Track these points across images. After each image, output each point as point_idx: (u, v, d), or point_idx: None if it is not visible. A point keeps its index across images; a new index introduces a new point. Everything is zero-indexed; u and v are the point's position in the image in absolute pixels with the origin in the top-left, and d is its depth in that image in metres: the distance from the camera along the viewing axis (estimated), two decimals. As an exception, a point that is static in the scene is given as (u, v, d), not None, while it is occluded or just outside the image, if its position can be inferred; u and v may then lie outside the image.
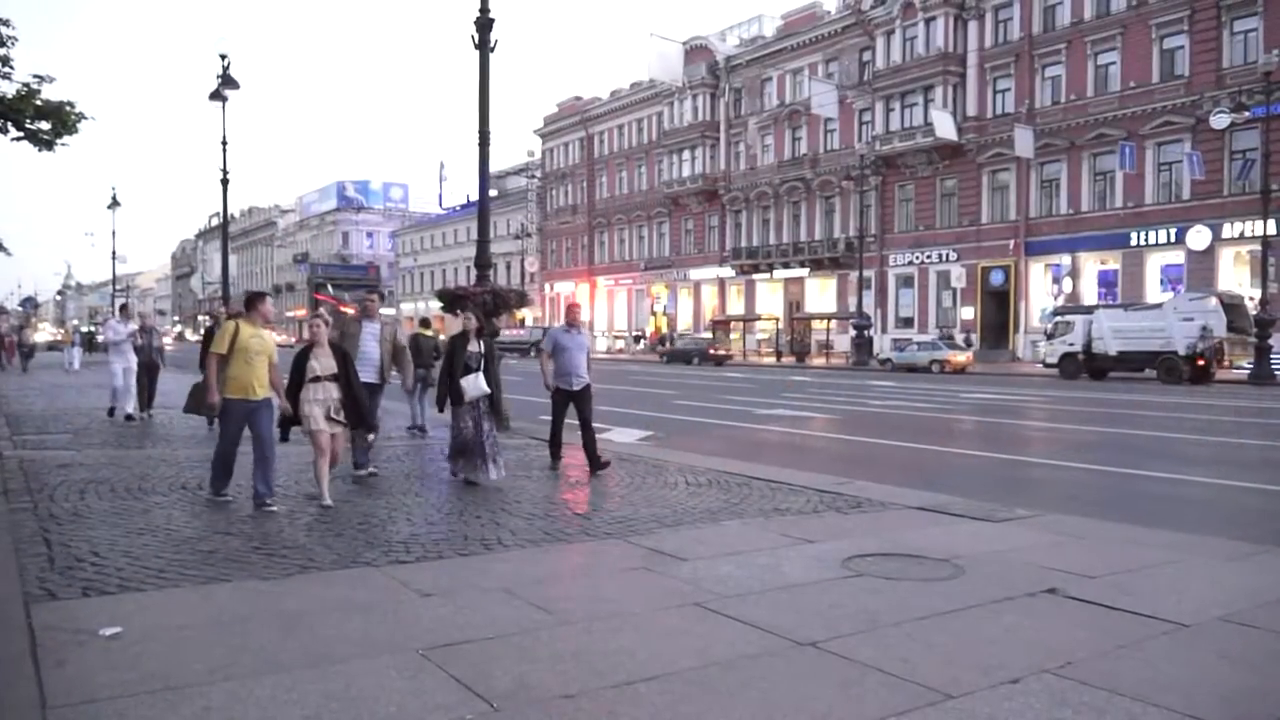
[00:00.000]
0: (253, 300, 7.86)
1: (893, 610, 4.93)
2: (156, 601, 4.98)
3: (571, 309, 10.51)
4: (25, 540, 6.26)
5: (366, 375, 9.14)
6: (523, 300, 15.67)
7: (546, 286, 72.46)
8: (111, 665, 4.00)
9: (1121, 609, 4.97)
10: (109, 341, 15.54)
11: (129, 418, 14.43)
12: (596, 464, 9.60)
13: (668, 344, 52.56)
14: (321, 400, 7.81)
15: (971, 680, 3.94)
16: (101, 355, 40.38)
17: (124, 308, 16.37)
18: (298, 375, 7.81)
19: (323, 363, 7.87)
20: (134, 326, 15.20)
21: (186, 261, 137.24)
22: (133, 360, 14.77)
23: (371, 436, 9.38)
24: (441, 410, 9.41)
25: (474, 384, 8.90)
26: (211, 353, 7.59)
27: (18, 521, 6.83)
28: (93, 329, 50.46)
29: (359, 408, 8.10)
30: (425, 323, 15.42)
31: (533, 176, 75.83)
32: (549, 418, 15.18)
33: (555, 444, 10.24)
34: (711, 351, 46.03)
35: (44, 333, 72.02)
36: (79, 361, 34.08)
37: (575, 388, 9.91)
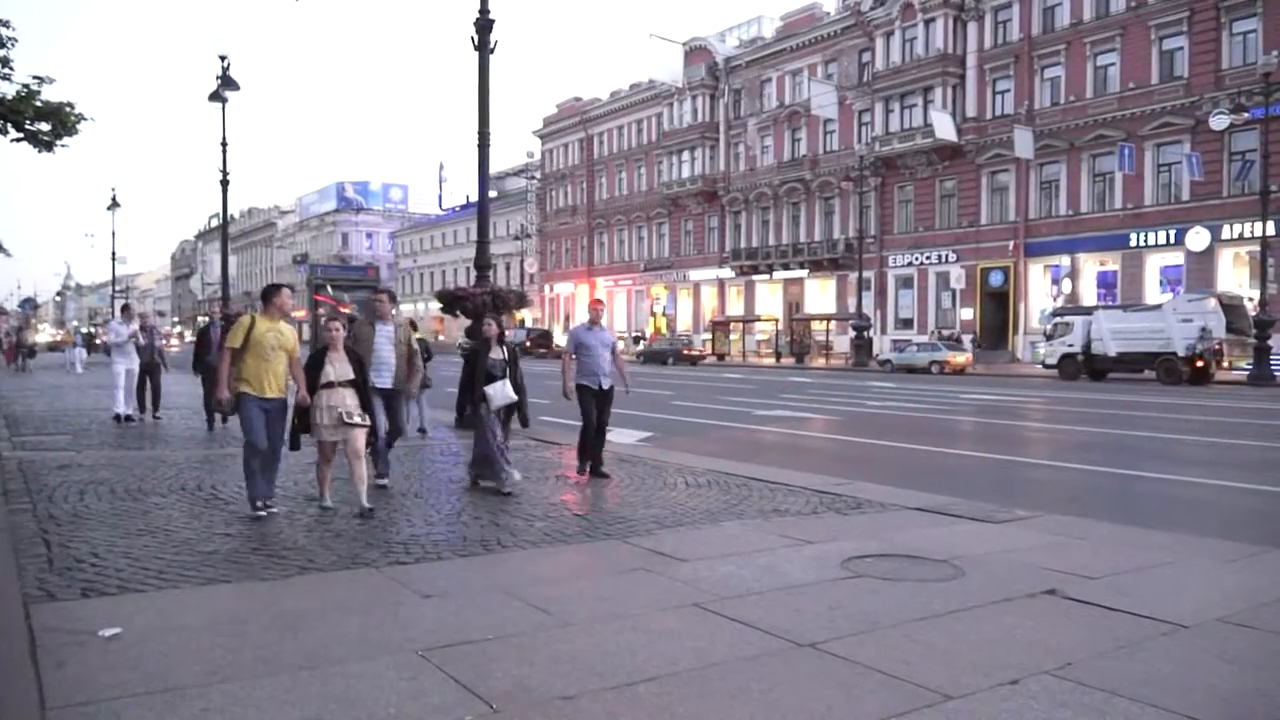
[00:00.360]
0: (269, 293, 7.48)
1: (892, 611, 4.93)
2: (156, 602, 4.98)
3: (594, 305, 10.08)
4: (24, 541, 6.26)
5: (382, 381, 8.73)
6: (522, 301, 15.68)
7: (546, 287, 72.51)
8: (111, 666, 4.00)
9: (1121, 610, 4.97)
10: (110, 343, 15.17)
11: (127, 419, 14.31)
12: (599, 469, 9.46)
13: (649, 345, 53.10)
14: (334, 407, 7.36)
15: (971, 681, 3.94)
16: (102, 357, 40.07)
17: (125, 308, 16.02)
18: (311, 381, 7.36)
19: (338, 368, 7.42)
20: (135, 327, 14.94)
21: (186, 262, 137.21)
22: (135, 361, 14.62)
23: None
24: (461, 419, 8.95)
25: (500, 391, 8.57)
26: (225, 347, 7.15)
27: (17, 523, 6.84)
28: (92, 330, 49.79)
29: (370, 418, 7.73)
30: (412, 325, 15.38)
31: (532, 177, 75.89)
32: (551, 419, 15.10)
33: (586, 448, 9.67)
34: (685, 352, 47.47)
35: (43, 334, 71.77)
36: (81, 364, 33.82)
37: (604, 387, 9.59)
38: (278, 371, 7.20)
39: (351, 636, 4.44)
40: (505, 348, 8.88)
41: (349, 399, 7.42)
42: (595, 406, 9.60)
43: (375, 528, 6.91)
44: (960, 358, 36.09)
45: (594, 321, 9.82)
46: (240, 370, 7.09)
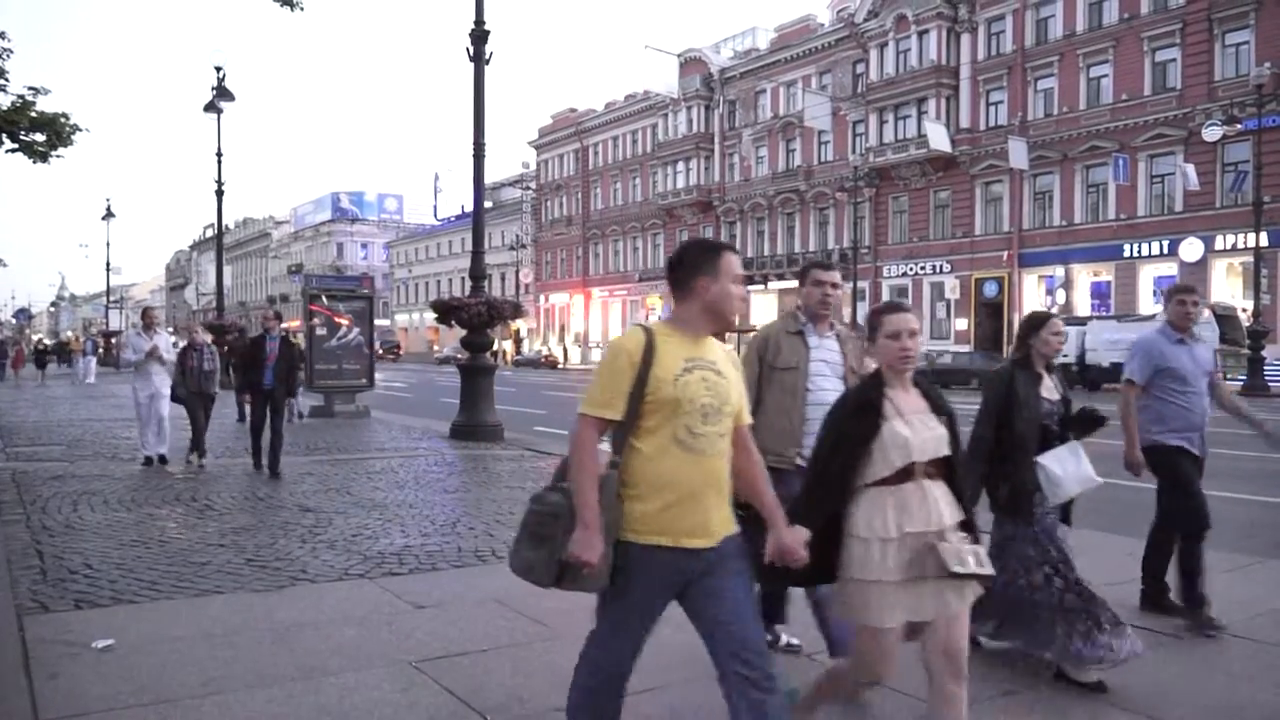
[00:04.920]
0: (702, 259, 2.91)
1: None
2: (149, 614, 4.97)
3: (1183, 294, 5.33)
4: (18, 553, 6.24)
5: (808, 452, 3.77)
6: (517, 311, 15.70)
7: (541, 298, 72.51)
8: (104, 677, 3.99)
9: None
10: (126, 361, 11.88)
11: (147, 461, 10.75)
12: (1201, 606, 4.93)
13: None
14: (917, 533, 3.00)
15: (969, 691, 3.93)
16: (111, 368, 37.93)
17: (146, 313, 11.99)
18: (845, 464, 3.05)
19: (919, 432, 3.05)
20: (159, 341, 11.27)
21: (181, 273, 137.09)
22: (160, 385, 11.02)
23: None
24: (980, 520, 3.57)
25: (1074, 468, 4.30)
26: (585, 414, 2.74)
27: (10, 534, 6.81)
28: (95, 341, 47.15)
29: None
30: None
31: (527, 188, 75.96)
32: (545, 429, 14.87)
33: (1157, 578, 5.33)
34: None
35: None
36: (93, 373, 32.79)
37: (1200, 449, 5.20)
38: (718, 472, 2.80)
39: (345, 648, 4.43)
40: (1055, 377, 4.58)
41: (948, 511, 3.06)
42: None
43: (368, 539, 6.89)
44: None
45: (1183, 326, 5.25)
46: (629, 478, 2.73)
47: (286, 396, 10.52)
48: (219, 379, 11.90)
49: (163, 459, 10.71)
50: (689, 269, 2.89)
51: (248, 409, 11.17)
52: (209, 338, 12.29)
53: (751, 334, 4.79)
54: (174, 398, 11.06)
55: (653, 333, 2.83)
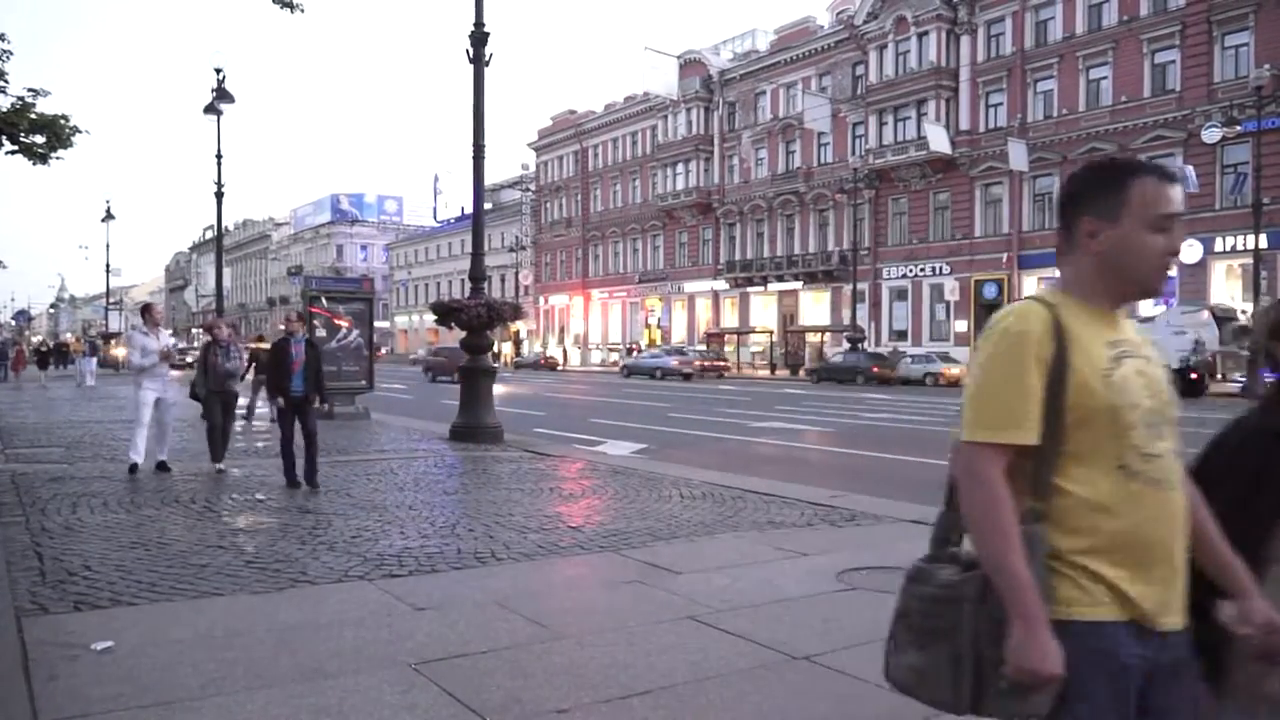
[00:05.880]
0: (1095, 189, 1.97)
1: (887, 624, 4.92)
2: (149, 615, 4.97)
3: None
4: (17, 554, 6.24)
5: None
6: (517, 313, 15.71)
7: (540, 299, 72.55)
8: (103, 679, 3.99)
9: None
10: (132, 364, 10.65)
11: (160, 466, 10.21)
12: None
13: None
14: None
15: (965, 694, 3.93)
16: (104, 371, 37.80)
17: (148, 310, 10.93)
18: (1262, 525, 2.07)
19: None
20: (167, 341, 10.62)
21: (180, 274, 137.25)
22: (168, 389, 10.50)
23: None
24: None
25: None
26: (978, 444, 1.78)
27: (10, 535, 6.81)
28: (95, 341, 46.15)
29: None
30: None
31: (527, 189, 76.00)
32: (544, 430, 14.90)
33: None
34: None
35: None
36: (91, 375, 32.52)
37: None
38: (1183, 513, 1.84)
39: (345, 650, 4.43)
40: None
41: None
42: None
43: (368, 540, 6.89)
44: (955, 369, 36.17)
45: None
46: (1058, 531, 1.78)
47: (314, 403, 9.81)
48: (242, 379, 11.29)
49: (163, 465, 10.23)
50: (1074, 205, 1.99)
51: (249, 410, 10.89)
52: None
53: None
54: (192, 396, 10.55)
55: (1055, 306, 1.89)
